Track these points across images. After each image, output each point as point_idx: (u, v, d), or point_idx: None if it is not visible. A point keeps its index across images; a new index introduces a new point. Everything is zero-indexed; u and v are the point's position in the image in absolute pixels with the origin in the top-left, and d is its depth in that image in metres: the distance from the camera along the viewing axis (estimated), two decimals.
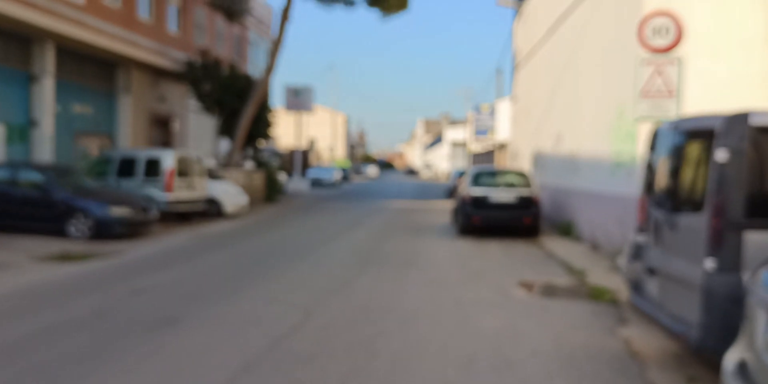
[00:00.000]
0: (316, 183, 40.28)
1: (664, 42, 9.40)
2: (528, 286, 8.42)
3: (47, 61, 15.75)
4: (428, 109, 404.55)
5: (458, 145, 63.97)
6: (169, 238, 12.95)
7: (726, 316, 4.26)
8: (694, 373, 4.98)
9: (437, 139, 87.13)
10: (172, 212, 15.01)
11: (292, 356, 5.17)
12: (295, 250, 11.62)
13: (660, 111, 9.38)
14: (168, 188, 14.69)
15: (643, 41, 9.48)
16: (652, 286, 5.50)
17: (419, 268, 9.87)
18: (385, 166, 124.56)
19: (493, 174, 14.93)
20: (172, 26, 22.07)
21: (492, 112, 38.31)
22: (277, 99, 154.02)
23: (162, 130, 22.71)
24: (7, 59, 15.05)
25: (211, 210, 17.12)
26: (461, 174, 26.72)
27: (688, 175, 5.09)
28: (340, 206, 23.87)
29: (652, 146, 5.93)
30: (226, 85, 21.97)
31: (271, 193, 24.23)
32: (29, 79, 15.67)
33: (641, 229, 5.95)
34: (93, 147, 18.48)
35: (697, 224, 4.64)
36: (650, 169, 5.94)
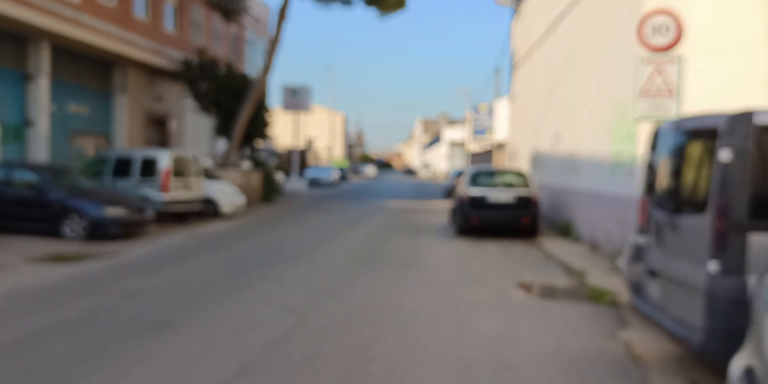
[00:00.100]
0: (314, 183, 40.17)
1: (664, 40, 9.31)
2: (527, 288, 8.33)
3: (42, 60, 15.64)
4: (426, 108, 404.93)
5: (456, 145, 63.88)
6: (164, 238, 12.84)
7: (730, 320, 4.16)
8: (696, 377, 4.89)
9: (435, 139, 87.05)
10: (169, 212, 14.89)
11: (287, 360, 5.07)
12: (292, 250, 11.52)
13: (660, 110, 9.29)
14: (164, 188, 14.59)
15: (642, 40, 9.40)
16: (653, 288, 5.41)
17: (417, 269, 9.78)
18: (384, 165, 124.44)
19: (492, 174, 14.83)
20: (168, 25, 21.95)
21: (490, 112, 38.24)
22: (274, 99, 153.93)
23: (159, 130, 22.60)
24: (2, 58, 14.94)
25: (208, 210, 17.01)
26: (459, 174, 26.64)
27: (690, 175, 5.00)
28: (338, 206, 23.77)
29: (653, 146, 5.84)
30: (223, 84, 21.85)
31: (268, 193, 24.12)
32: (24, 79, 15.56)
33: (642, 230, 5.87)
34: (89, 147, 18.36)
35: (699, 226, 4.55)
36: (651, 170, 5.85)
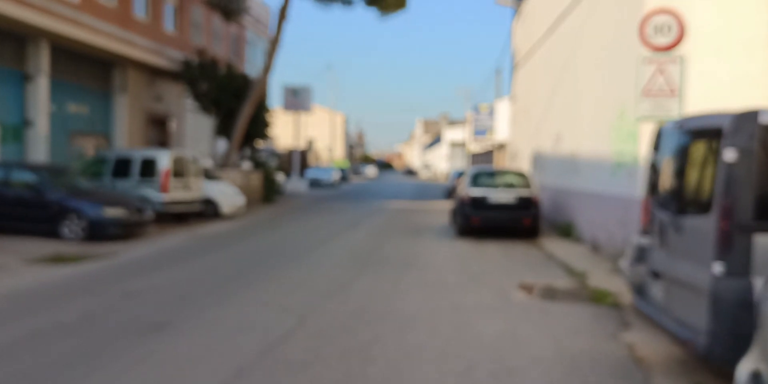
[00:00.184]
0: (315, 183, 40.12)
1: (666, 40, 9.24)
2: (528, 289, 8.27)
3: (42, 60, 15.59)
4: (427, 109, 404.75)
5: (457, 146, 63.82)
6: (164, 239, 12.79)
7: (735, 323, 4.10)
8: (700, 380, 4.82)
9: (436, 140, 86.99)
10: (168, 213, 14.84)
11: (285, 363, 5.01)
12: (292, 251, 11.46)
13: (662, 110, 9.22)
14: (163, 189, 14.53)
15: (644, 39, 9.33)
16: (656, 289, 5.34)
17: (417, 269, 9.71)
18: (384, 166, 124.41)
19: (492, 174, 14.77)
20: (168, 25, 21.90)
21: (491, 112, 38.17)
22: (275, 99, 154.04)
23: (159, 130, 22.55)
24: (1, 58, 14.89)
25: (208, 211, 16.96)
26: (460, 174, 26.57)
27: (693, 175, 4.93)
28: (338, 207, 23.71)
29: (656, 146, 5.78)
30: (223, 84, 21.79)
31: (268, 193, 24.06)
32: (24, 79, 15.51)
33: (645, 231, 5.80)
34: (89, 147, 18.32)
35: (704, 227, 4.48)
36: (654, 170, 5.79)
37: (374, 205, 25.22)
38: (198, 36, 24.56)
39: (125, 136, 19.71)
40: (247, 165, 24.55)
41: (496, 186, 14.10)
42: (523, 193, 13.83)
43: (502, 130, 33.87)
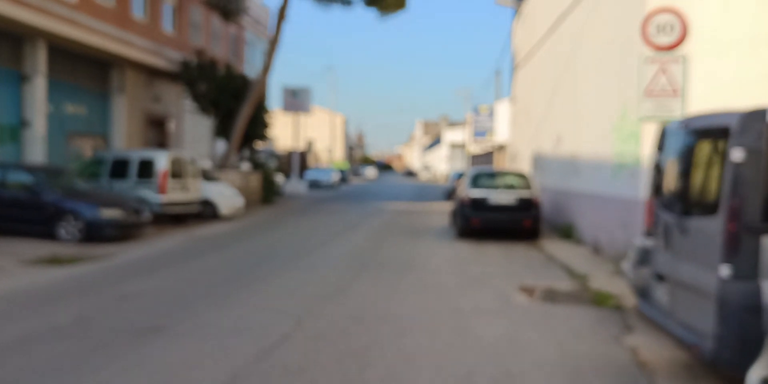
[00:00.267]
0: (314, 185, 40.01)
1: (669, 39, 9.14)
2: (529, 291, 8.15)
3: (39, 61, 15.47)
4: (427, 110, 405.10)
5: (457, 147, 63.72)
6: (161, 240, 12.67)
7: (743, 327, 3.99)
8: None
9: (436, 141, 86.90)
10: (166, 214, 14.73)
11: (281, 368, 4.89)
12: (290, 253, 11.35)
13: (664, 110, 9.12)
14: (161, 190, 14.43)
15: (646, 39, 9.23)
16: (660, 292, 5.23)
17: (417, 272, 9.60)
18: (384, 167, 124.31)
19: (493, 175, 14.66)
20: (167, 25, 21.80)
21: (491, 114, 38.09)
22: (274, 100, 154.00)
23: (157, 131, 22.44)
24: None
25: (206, 212, 16.85)
26: (460, 175, 26.47)
27: (699, 176, 4.83)
28: (337, 208, 23.60)
29: (660, 146, 5.67)
30: (222, 85, 21.69)
31: (267, 194, 23.95)
32: (21, 79, 15.39)
33: (649, 232, 5.69)
34: (86, 148, 18.20)
35: (710, 228, 4.37)
36: (658, 170, 5.68)
37: (374, 206, 25.11)
38: (197, 36, 24.46)
39: (123, 137, 19.60)
40: (246, 166, 24.44)
41: (496, 187, 13.99)
42: (524, 194, 13.72)
43: (502, 131, 33.78)
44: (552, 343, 5.78)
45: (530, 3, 20.77)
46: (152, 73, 21.00)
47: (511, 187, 14.01)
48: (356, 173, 76.47)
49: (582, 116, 13.36)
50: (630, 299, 7.34)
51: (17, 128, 15.37)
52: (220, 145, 25.54)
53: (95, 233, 11.69)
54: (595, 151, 12.26)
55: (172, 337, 5.69)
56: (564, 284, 8.72)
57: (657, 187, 5.65)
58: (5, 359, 4.95)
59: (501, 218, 13.65)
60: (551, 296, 7.88)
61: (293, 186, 33.04)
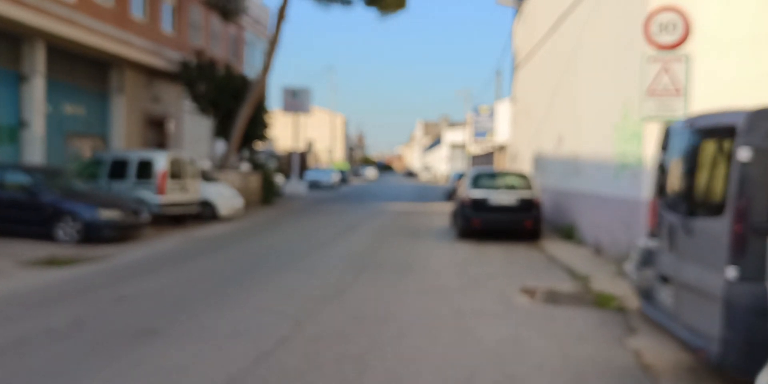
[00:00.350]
0: (314, 185, 39.93)
1: (671, 38, 9.06)
2: (530, 293, 8.08)
3: (38, 61, 15.41)
4: (427, 111, 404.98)
5: (457, 147, 63.64)
6: (160, 241, 12.60)
7: (749, 330, 3.91)
8: None
9: (436, 141, 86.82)
10: (165, 215, 14.65)
11: (279, 371, 4.82)
12: (290, 254, 11.27)
13: (667, 110, 9.04)
14: (160, 190, 14.35)
15: (649, 38, 9.15)
16: (665, 294, 5.15)
17: (417, 273, 9.52)
18: (384, 168, 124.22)
19: (493, 176, 14.58)
20: (166, 26, 21.73)
21: (491, 114, 38.00)
22: (274, 100, 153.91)
23: (157, 132, 22.37)
24: None
25: (205, 213, 16.77)
26: (460, 176, 26.40)
27: (704, 176, 4.75)
28: (337, 209, 23.52)
29: (664, 146, 5.60)
30: (221, 85, 21.62)
31: (267, 195, 23.88)
32: (19, 79, 15.33)
33: (653, 233, 5.61)
34: (85, 148, 18.13)
35: (716, 229, 4.30)
36: (662, 170, 5.60)
37: (374, 207, 25.04)
38: (196, 36, 24.39)
39: (122, 138, 19.53)
40: (245, 167, 24.37)
41: (496, 188, 13.91)
42: (525, 194, 13.65)
43: (502, 131, 33.70)
44: (554, 345, 5.70)
45: (531, 2, 20.70)
46: (151, 73, 20.93)
47: (511, 187, 13.94)
48: (356, 174, 76.39)
49: (583, 116, 13.29)
50: (633, 301, 7.27)
51: (16, 129, 15.30)
52: (220, 146, 25.47)
53: (93, 234, 11.61)
54: (596, 151, 12.18)
55: (169, 340, 5.61)
56: (566, 285, 8.64)
57: (661, 188, 5.58)
58: (0, 361, 4.89)
59: (502, 219, 13.57)
60: (553, 298, 7.80)
61: (293, 186, 32.96)
